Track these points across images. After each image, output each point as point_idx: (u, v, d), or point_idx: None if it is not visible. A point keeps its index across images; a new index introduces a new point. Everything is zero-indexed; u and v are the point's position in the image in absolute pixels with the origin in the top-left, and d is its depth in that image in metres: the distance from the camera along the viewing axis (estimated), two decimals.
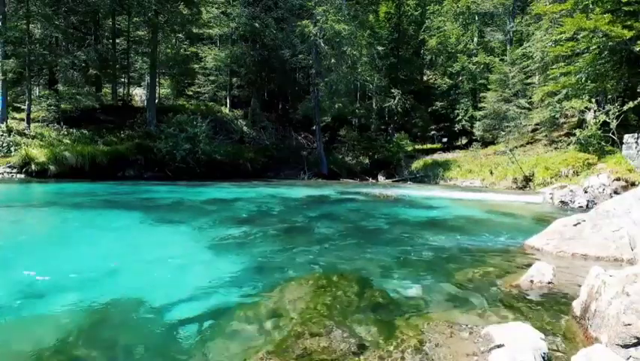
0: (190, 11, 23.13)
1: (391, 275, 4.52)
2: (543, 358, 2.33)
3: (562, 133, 21.58)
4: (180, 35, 24.72)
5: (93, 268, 4.56)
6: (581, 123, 19.08)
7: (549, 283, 3.93)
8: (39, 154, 15.87)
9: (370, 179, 24.20)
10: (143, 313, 3.30)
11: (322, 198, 13.27)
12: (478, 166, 21.83)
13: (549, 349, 2.48)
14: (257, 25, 24.79)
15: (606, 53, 17.16)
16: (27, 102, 18.57)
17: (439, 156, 25.92)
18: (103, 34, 25.17)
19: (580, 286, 3.29)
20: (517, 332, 2.48)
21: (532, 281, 3.97)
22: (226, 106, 26.91)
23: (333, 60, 24.37)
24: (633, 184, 11.78)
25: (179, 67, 26.76)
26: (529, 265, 4.32)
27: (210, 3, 24.98)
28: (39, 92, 22.14)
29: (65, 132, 18.81)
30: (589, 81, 17.91)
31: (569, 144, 18.12)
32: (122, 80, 26.40)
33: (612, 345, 2.45)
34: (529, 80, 24.29)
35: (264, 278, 4.39)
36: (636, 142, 14.35)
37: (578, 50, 18.06)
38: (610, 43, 16.17)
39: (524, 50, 23.89)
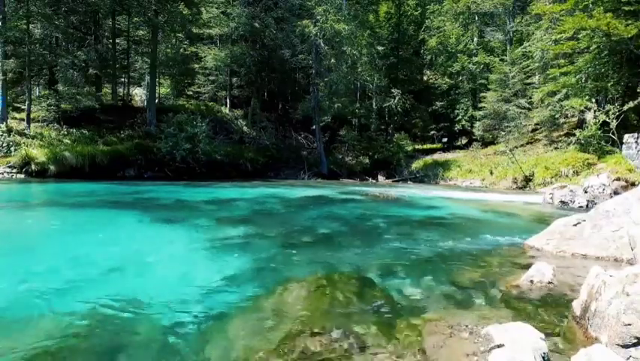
0: (190, 11, 23.16)
1: (391, 275, 4.52)
2: (543, 358, 2.33)
3: (562, 133, 21.59)
4: (180, 35, 24.74)
5: (92, 267, 4.55)
6: (581, 123, 19.09)
7: (549, 283, 3.93)
8: (39, 154, 15.87)
9: (370, 179, 24.21)
10: (143, 313, 3.30)
11: (322, 198, 13.26)
12: (478, 166, 21.85)
13: (549, 349, 2.48)
14: (257, 25, 24.80)
15: (606, 52, 17.16)
16: (27, 102, 18.58)
17: (439, 156, 25.92)
18: (103, 34, 25.17)
19: (580, 286, 3.29)
20: (517, 332, 2.48)
21: (532, 281, 3.97)
22: (226, 106, 26.92)
23: (333, 60, 24.39)
24: (633, 184, 11.77)
25: (179, 67, 26.80)
26: (529, 265, 4.32)
27: (210, 3, 25.01)
28: (39, 92, 22.15)
29: (65, 132, 18.82)
30: (589, 81, 17.91)
31: (569, 144, 18.14)
32: (122, 80, 26.41)
33: (612, 345, 2.45)
34: (529, 80, 24.29)
35: (264, 278, 4.38)
36: (636, 142, 14.36)
37: (578, 49, 18.05)
38: (613, 39, 16.13)
39: (524, 50, 23.89)
